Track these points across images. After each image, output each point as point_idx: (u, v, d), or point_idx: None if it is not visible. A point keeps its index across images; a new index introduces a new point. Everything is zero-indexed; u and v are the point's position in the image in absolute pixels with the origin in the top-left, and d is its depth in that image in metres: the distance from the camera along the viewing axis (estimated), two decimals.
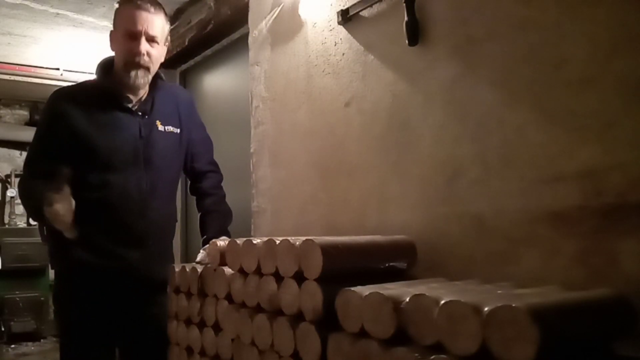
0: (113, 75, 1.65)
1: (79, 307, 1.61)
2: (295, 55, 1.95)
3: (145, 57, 1.59)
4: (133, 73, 1.59)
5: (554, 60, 1.13)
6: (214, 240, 1.48)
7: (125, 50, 1.58)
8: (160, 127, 1.69)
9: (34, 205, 1.53)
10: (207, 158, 1.88)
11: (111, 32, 1.65)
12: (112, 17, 1.65)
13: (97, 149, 1.59)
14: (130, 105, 1.65)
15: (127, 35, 1.57)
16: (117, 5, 1.65)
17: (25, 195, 1.66)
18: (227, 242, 1.39)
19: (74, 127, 1.58)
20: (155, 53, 1.62)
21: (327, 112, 1.78)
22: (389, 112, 1.54)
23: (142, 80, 1.62)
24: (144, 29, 1.57)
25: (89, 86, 1.70)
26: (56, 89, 1.70)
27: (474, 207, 1.28)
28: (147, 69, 1.62)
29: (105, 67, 1.69)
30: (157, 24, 1.60)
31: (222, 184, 1.89)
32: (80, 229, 1.53)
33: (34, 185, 1.57)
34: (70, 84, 1.79)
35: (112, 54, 1.69)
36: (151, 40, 1.60)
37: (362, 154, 1.63)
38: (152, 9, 1.59)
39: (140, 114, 1.66)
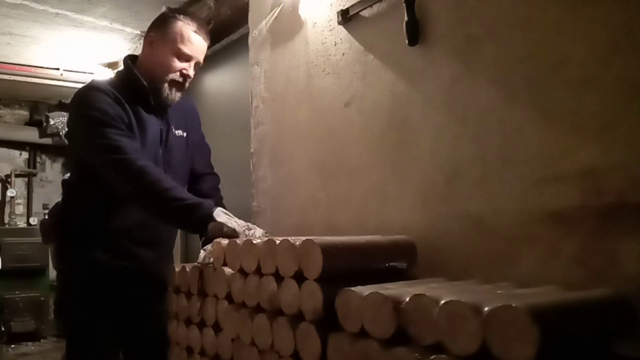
0: (143, 76, 1.63)
1: (89, 307, 1.62)
2: (295, 55, 1.95)
3: (188, 81, 1.65)
4: (173, 90, 1.63)
5: (553, 60, 1.13)
6: (217, 240, 1.47)
7: (174, 68, 1.61)
8: (174, 131, 1.72)
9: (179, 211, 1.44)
10: (205, 161, 1.90)
11: (154, 36, 1.63)
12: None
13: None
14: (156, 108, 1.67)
15: (180, 54, 1.61)
16: (164, 9, 1.67)
17: (159, 195, 1.45)
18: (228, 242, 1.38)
19: (123, 114, 1.57)
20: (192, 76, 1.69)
21: (327, 112, 1.78)
22: (389, 112, 1.54)
23: (176, 98, 1.66)
24: (197, 56, 1.64)
25: (117, 83, 1.66)
26: (84, 85, 1.65)
27: (474, 207, 1.28)
28: (184, 89, 1.68)
29: (131, 65, 1.68)
30: (204, 53, 1.68)
31: (221, 184, 1.90)
32: (101, 228, 1.59)
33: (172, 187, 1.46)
34: (70, 84, 1.78)
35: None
36: (196, 66, 1.67)
37: (362, 154, 1.63)
38: (207, 39, 1.67)
39: (159, 117, 1.68)
